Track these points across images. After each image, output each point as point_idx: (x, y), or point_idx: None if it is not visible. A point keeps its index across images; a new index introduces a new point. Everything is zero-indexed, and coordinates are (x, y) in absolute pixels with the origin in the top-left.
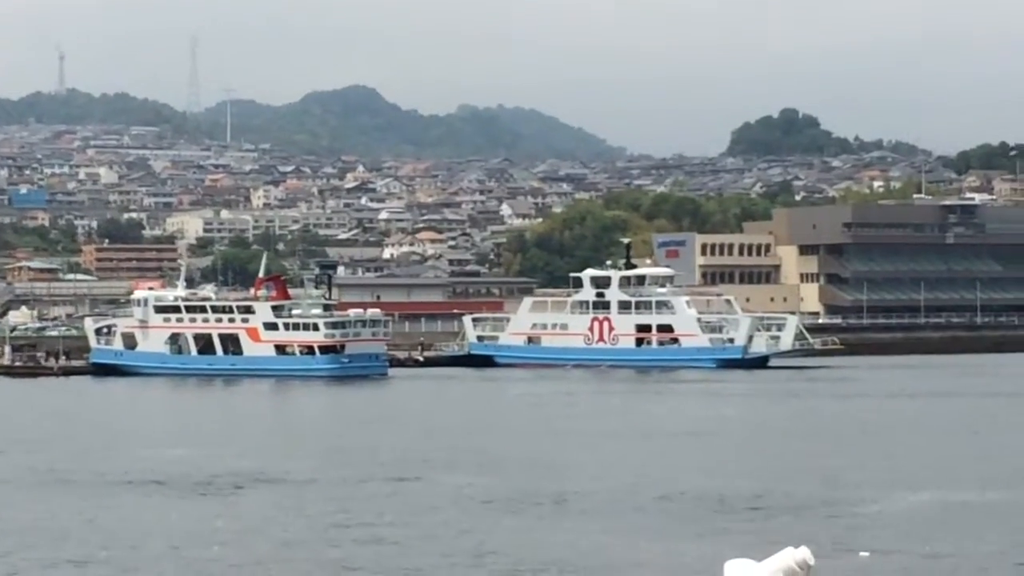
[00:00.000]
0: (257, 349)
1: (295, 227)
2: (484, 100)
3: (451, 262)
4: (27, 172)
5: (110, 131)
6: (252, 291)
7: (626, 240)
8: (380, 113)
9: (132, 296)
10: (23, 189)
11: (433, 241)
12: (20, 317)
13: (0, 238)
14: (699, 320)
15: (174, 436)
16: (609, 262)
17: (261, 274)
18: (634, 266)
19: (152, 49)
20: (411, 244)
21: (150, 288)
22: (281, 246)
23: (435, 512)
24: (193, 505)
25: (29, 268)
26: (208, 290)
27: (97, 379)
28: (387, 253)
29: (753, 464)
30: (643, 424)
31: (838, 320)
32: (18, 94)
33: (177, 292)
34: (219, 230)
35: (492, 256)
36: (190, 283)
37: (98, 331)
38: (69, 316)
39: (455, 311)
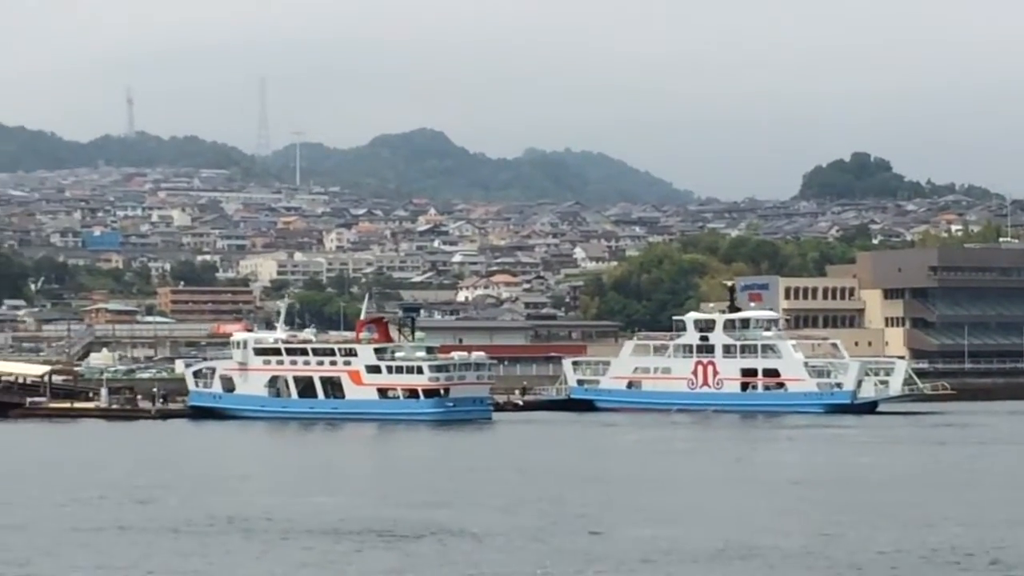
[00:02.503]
0: (359, 392)
1: (369, 270)
2: (551, 144)
3: (527, 305)
4: (100, 214)
5: (180, 174)
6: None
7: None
8: (448, 156)
9: (232, 339)
10: (97, 231)
11: (508, 284)
12: (101, 359)
13: (75, 280)
14: (806, 364)
15: (307, 483)
16: (712, 305)
17: (362, 317)
18: (738, 309)
19: (221, 93)
20: (486, 287)
21: (248, 331)
22: (355, 289)
23: (652, 567)
24: (385, 556)
25: (107, 310)
26: (308, 332)
27: (195, 422)
28: (462, 296)
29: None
30: (789, 473)
31: (924, 365)
32: (87, 137)
33: (277, 334)
34: (293, 272)
35: (568, 299)
36: (267, 326)
37: (196, 373)
38: (149, 358)
39: (538, 355)
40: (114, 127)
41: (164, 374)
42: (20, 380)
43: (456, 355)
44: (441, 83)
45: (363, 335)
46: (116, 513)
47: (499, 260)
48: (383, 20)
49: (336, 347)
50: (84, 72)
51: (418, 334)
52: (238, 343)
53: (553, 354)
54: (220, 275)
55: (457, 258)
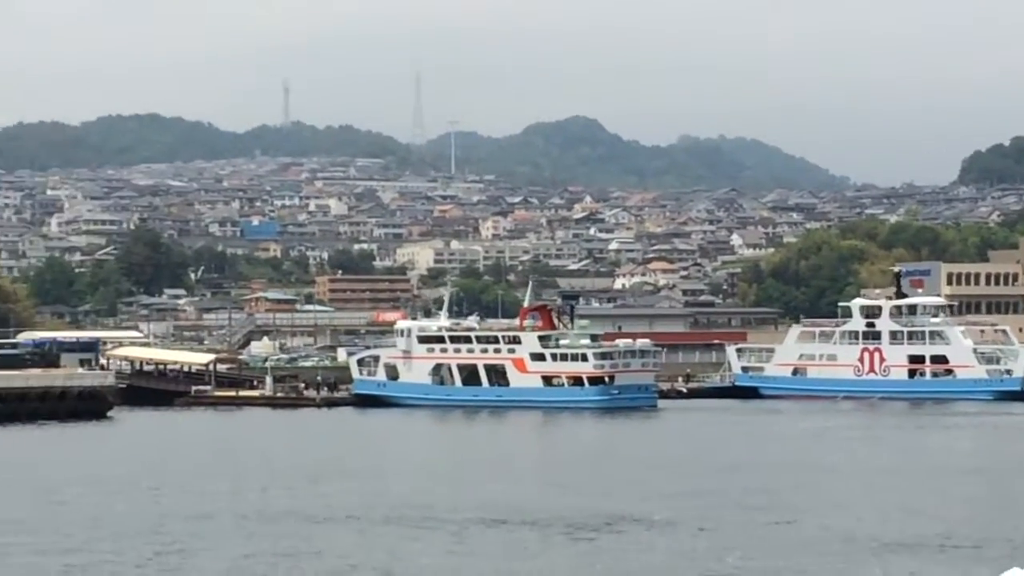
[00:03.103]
0: (523, 380)
1: (525, 258)
2: (704, 130)
3: (684, 292)
4: (257, 204)
5: (336, 163)
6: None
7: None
8: (601, 144)
9: (396, 327)
10: (255, 221)
11: (665, 271)
12: (262, 348)
13: (234, 269)
14: (975, 350)
15: (478, 472)
16: (876, 291)
17: (525, 304)
18: (904, 295)
19: (375, 82)
20: (643, 274)
21: (409, 319)
22: (512, 277)
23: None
24: (570, 546)
25: (266, 299)
26: (471, 320)
27: (359, 410)
28: (619, 283)
29: None
30: (960, 461)
31: None
32: (244, 127)
33: (440, 322)
34: (449, 260)
35: (725, 286)
36: (426, 314)
37: (360, 362)
38: (308, 347)
39: (698, 342)
40: (270, 117)
41: (326, 362)
42: (185, 368)
43: (621, 343)
44: (595, 71)
45: (527, 322)
46: (296, 501)
47: (655, 247)
48: (538, 9)
49: (500, 335)
50: (241, 62)
51: (582, 321)
52: (402, 331)
53: (715, 341)
54: (377, 263)
55: (613, 245)
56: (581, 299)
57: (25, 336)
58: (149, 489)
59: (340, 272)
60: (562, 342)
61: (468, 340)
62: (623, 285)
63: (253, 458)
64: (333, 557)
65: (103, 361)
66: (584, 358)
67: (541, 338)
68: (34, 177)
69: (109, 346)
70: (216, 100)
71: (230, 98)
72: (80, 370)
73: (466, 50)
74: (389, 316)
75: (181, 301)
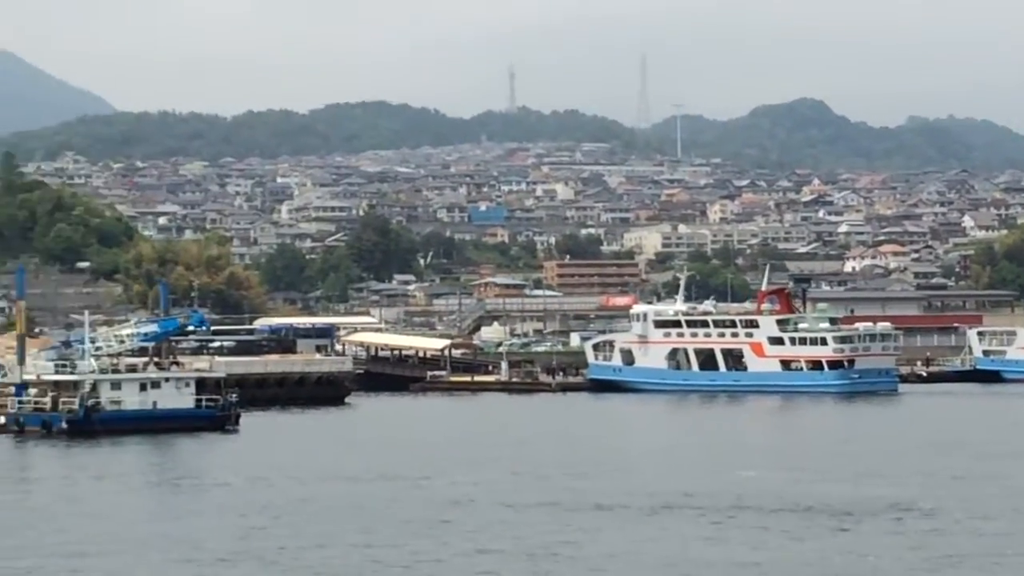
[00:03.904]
0: (762, 364)
1: (753, 241)
2: (933, 111)
3: (916, 275)
4: (484, 189)
5: (562, 148)
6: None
7: None
8: (828, 126)
9: (631, 311)
10: (482, 206)
11: (896, 254)
12: (492, 333)
13: (462, 255)
14: None
15: (726, 457)
16: None
17: (763, 287)
18: None
19: (601, 67)
20: (873, 257)
21: (639, 303)
22: (740, 260)
23: None
24: (840, 534)
25: (495, 284)
26: (707, 304)
27: (595, 396)
28: (848, 267)
29: None
30: None
31: None
32: (470, 113)
33: (676, 306)
34: (677, 245)
35: (958, 268)
36: (656, 298)
37: (596, 347)
38: (538, 332)
39: (933, 325)
40: (496, 102)
41: (559, 347)
42: (421, 354)
43: (860, 326)
44: (822, 52)
45: (764, 306)
46: (545, 489)
47: (885, 230)
48: None
49: (737, 319)
50: (467, 49)
51: (820, 305)
52: (638, 316)
53: (954, 324)
54: (604, 248)
55: (843, 228)
56: (811, 282)
57: (261, 322)
58: (420, 479)
59: (567, 257)
60: (801, 326)
61: (705, 324)
62: (853, 268)
63: (509, 445)
64: (603, 546)
65: (338, 347)
66: (823, 342)
67: (779, 322)
68: (264, 165)
69: (343, 332)
70: (442, 86)
71: (456, 84)
72: (318, 356)
73: (690, 34)
74: (618, 301)
75: (410, 287)
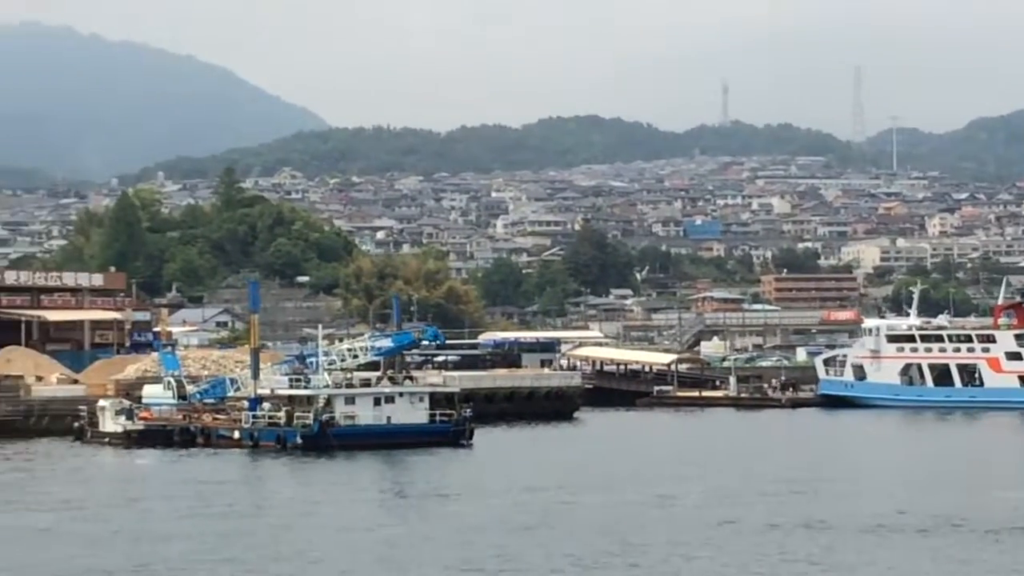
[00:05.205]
0: (999, 380)
1: (974, 255)
2: None
3: None
4: (699, 203)
5: (776, 161)
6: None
7: None
8: None
9: (863, 326)
10: (698, 220)
11: None
12: (713, 348)
13: (678, 269)
14: None
15: (980, 478)
16: None
17: (999, 302)
18: None
19: (815, 80)
20: None
21: (861, 318)
22: (961, 274)
23: None
24: None
25: (713, 299)
26: (942, 319)
27: (826, 411)
28: None
29: None
30: None
31: None
32: (683, 127)
33: (910, 321)
34: (896, 259)
35: None
36: (877, 312)
37: (826, 362)
38: (757, 347)
39: None
40: (708, 117)
41: (785, 362)
42: (648, 368)
43: None
44: None
45: (1001, 320)
46: (806, 508)
47: None
48: (972, 7)
49: (973, 333)
50: (680, 63)
51: None
52: (870, 330)
53: None
54: (822, 262)
55: None
56: None
57: (485, 337)
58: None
59: (784, 271)
60: None
61: (939, 339)
62: None
63: (753, 460)
64: (880, 569)
65: (562, 361)
66: None
67: (1017, 336)
68: (478, 179)
69: (567, 346)
70: (654, 101)
71: (667, 99)
72: (546, 371)
73: (903, 48)
74: (839, 315)
75: (628, 301)
